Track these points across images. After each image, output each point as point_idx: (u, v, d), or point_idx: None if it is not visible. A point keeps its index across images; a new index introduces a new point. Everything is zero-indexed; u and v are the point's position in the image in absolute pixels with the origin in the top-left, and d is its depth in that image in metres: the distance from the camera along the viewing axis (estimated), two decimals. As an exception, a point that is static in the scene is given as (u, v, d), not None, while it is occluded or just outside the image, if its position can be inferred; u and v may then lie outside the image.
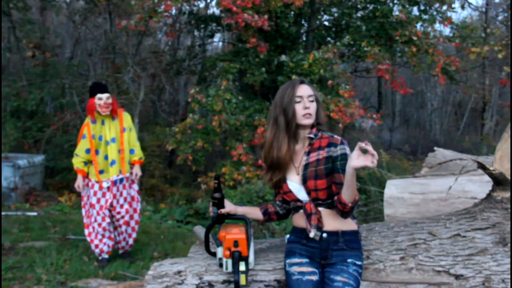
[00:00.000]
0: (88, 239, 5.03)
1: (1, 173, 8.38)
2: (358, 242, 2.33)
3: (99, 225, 4.94)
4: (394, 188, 3.90)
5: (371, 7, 10.09)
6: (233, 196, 7.02)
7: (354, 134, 10.96)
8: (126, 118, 5.01)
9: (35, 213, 7.61)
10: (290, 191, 2.35)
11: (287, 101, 2.32)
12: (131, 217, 5.11)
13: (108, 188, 4.88)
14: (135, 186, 5.17)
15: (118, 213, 4.98)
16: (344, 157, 2.22)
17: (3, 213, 7.45)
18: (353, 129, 10.35)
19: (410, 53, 9.03)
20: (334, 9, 10.60)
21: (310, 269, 2.27)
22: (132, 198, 5.11)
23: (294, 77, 9.03)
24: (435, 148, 4.48)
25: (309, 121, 2.30)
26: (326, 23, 11.50)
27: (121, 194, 4.97)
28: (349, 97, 8.77)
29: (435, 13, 10.06)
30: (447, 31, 18.16)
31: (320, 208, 2.30)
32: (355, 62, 11.27)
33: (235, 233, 2.31)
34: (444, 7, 9.55)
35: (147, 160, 10.55)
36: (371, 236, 2.59)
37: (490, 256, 2.40)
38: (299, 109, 2.30)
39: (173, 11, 10.43)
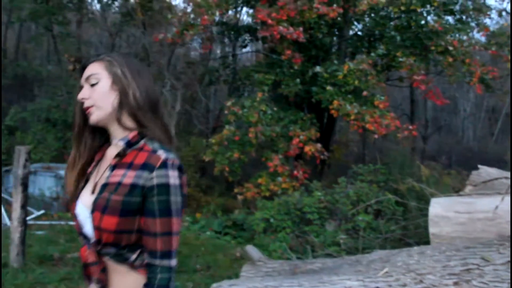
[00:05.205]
0: None
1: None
2: None
3: None
4: (438, 206, 3.92)
5: (404, 16, 10.04)
6: (270, 207, 7.10)
7: (388, 144, 10.93)
8: None
9: (78, 223, 7.82)
10: (76, 217, 1.54)
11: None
12: None
13: None
14: None
15: None
16: (163, 191, 1.40)
17: (46, 222, 7.71)
18: (388, 140, 10.32)
19: (446, 63, 8.99)
20: (367, 19, 10.60)
21: None
22: None
23: (328, 87, 9.08)
24: (479, 166, 4.48)
25: (92, 118, 1.49)
26: (359, 32, 11.50)
27: None
28: (384, 108, 8.78)
29: (469, 20, 9.99)
30: (482, 38, 17.90)
31: (106, 258, 1.48)
32: (388, 71, 11.24)
33: None
34: (481, 17, 9.47)
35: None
36: (423, 260, 2.65)
37: (544, 282, 2.42)
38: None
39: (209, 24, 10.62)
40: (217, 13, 9.19)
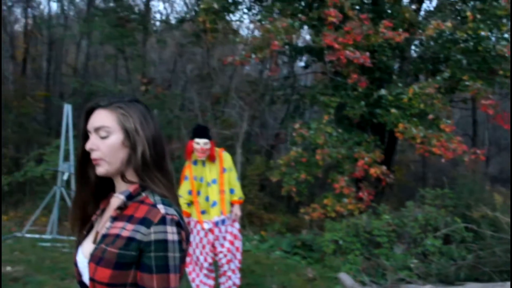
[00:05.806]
0: (190, 277, 5.15)
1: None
2: None
3: (202, 265, 5.05)
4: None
5: (471, 40, 10.01)
6: (338, 229, 7.31)
7: (449, 165, 10.85)
8: (226, 158, 5.09)
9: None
10: (76, 265, 1.58)
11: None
12: (234, 256, 5.13)
13: (210, 229, 4.99)
14: (236, 225, 5.20)
15: (220, 252, 5.06)
16: (161, 247, 1.42)
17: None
18: (455, 163, 10.27)
19: (514, 88, 8.93)
20: (432, 43, 10.63)
21: None
22: (235, 236, 5.14)
23: (393, 110, 9.20)
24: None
25: (99, 170, 1.52)
26: (423, 54, 11.53)
27: (222, 235, 5.06)
28: (450, 132, 8.81)
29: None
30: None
31: None
32: (452, 94, 11.19)
33: None
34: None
35: (248, 189, 11.10)
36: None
37: None
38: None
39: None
40: (285, 38, 9.50)
